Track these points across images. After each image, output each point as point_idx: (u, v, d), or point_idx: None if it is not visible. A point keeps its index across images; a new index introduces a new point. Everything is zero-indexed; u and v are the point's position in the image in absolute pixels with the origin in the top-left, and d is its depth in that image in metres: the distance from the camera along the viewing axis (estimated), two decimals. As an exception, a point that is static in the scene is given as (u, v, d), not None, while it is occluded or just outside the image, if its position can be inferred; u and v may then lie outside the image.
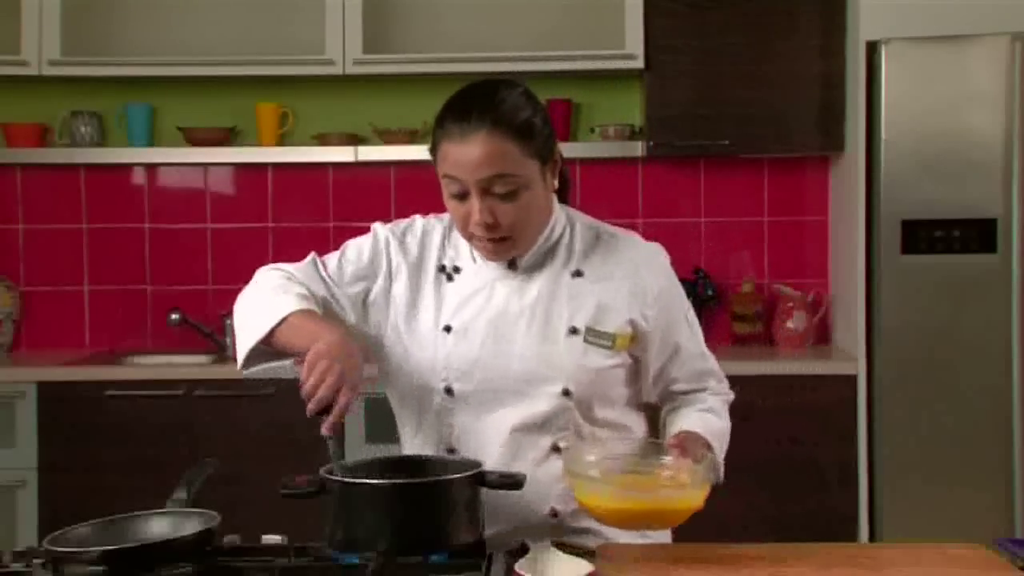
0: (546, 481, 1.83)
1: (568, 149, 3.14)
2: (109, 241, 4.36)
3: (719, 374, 2.02)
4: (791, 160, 4.24)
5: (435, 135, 1.84)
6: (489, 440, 1.86)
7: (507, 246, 1.85)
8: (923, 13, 3.63)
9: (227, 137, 4.23)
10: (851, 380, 3.72)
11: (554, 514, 1.86)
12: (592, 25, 4.11)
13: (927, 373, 3.66)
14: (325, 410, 1.64)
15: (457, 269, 1.93)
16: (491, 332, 1.87)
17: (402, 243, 1.97)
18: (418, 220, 2.01)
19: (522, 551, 1.67)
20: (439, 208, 1.95)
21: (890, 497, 3.67)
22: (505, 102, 1.81)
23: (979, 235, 3.61)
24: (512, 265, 1.90)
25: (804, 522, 3.67)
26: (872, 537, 3.67)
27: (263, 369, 1.88)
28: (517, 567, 1.59)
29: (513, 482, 1.69)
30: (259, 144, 4.22)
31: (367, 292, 1.95)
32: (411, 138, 4.17)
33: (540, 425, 1.85)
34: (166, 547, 1.59)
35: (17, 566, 1.66)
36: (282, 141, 4.23)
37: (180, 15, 4.23)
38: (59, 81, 4.14)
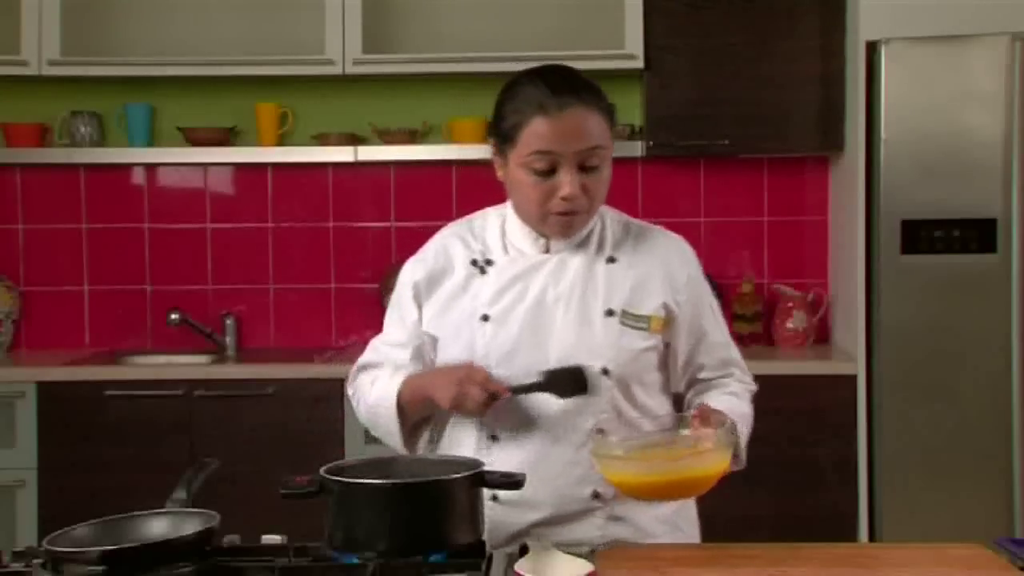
0: (588, 463, 1.84)
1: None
2: (109, 241, 4.36)
3: (743, 365, 2.07)
4: (791, 160, 4.24)
5: (514, 115, 1.87)
6: (530, 425, 1.89)
7: (580, 220, 1.91)
8: (923, 13, 3.63)
9: (227, 137, 4.22)
10: (851, 380, 3.72)
11: (596, 495, 1.88)
12: (592, 25, 4.11)
13: (927, 373, 3.66)
14: (492, 397, 1.81)
15: (489, 262, 1.97)
16: (529, 319, 1.90)
17: (423, 262, 2.02)
18: (435, 236, 2.07)
19: (522, 551, 1.67)
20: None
21: (890, 497, 3.67)
22: (585, 81, 1.90)
23: (979, 235, 3.61)
24: (546, 250, 1.95)
25: (804, 522, 3.67)
26: (872, 537, 3.67)
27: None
28: (517, 567, 1.59)
29: (513, 482, 1.69)
30: (259, 144, 4.22)
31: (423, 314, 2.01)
32: (411, 138, 4.17)
33: (580, 407, 1.87)
34: (166, 547, 1.59)
35: (17, 566, 1.66)
36: (282, 141, 4.23)
37: (180, 15, 4.23)
38: (59, 81, 4.14)
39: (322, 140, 4.20)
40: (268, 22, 4.20)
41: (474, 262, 1.97)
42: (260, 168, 4.34)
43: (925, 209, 3.62)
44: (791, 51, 3.93)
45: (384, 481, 1.65)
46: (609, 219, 2.01)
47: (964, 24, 3.61)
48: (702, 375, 2.02)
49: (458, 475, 1.66)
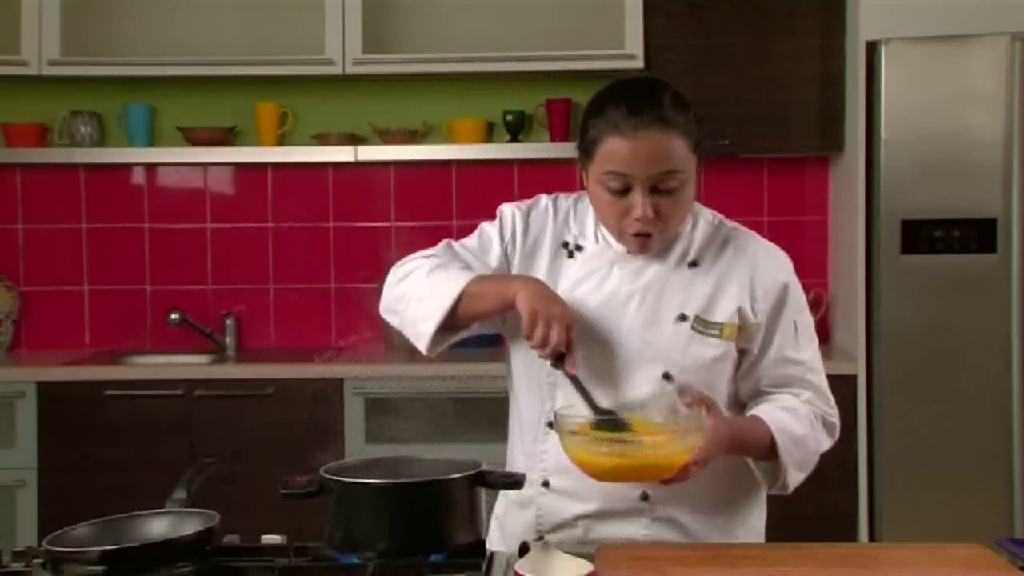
0: None
1: (568, 149, 3.14)
2: (109, 241, 4.36)
3: (820, 390, 1.98)
4: (791, 160, 4.24)
5: (593, 130, 1.84)
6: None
7: (657, 239, 1.87)
8: (923, 13, 3.63)
9: (227, 137, 4.22)
10: (851, 380, 3.71)
11: (645, 497, 1.87)
12: (592, 25, 4.11)
13: (927, 373, 3.66)
14: (560, 354, 1.74)
15: (579, 247, 1.95)
16: (598, 313, 1.87)
17: (527, 218, 1.99)
18: (543, 198, 2.02)
19: (522, 551, 1.67)
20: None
21: (890, 497, 3.67)
22: (671, 99, 1.83)
23: (979, 235, 3.61)
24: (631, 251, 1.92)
25: (804, 522, 3.65)
26: (872, 537, 3.67)
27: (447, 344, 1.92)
28: (517, 567, 1.59)
29: (512, 482, 1.69)
30: (259, 144, 4.22)
31: (507, 267, 1.96)
32: (411, 138, 4.17)
33: (639, 408, 1.84)
34: (166, 547, 1.59)
35: (17, 566, 1.66)
36: (282, 141, 4.23)
37: (180, 15, 4.23)
38: (59, 81, 4.15)
39: (322, 140, 4.20)
40: (268, 22, 4.21)
41: (565, 244, 1.95)
42: (260, 168, 4.34)
43: (925, 209, 3.62)
44: (791, 51, 3.92)
45: (384, 481, 1.65)
46: (702, 220, 1.98)
47: (964, 24, 3.61)
48: (760, 386, 1.96)
49: (458, 475, 1.66)
